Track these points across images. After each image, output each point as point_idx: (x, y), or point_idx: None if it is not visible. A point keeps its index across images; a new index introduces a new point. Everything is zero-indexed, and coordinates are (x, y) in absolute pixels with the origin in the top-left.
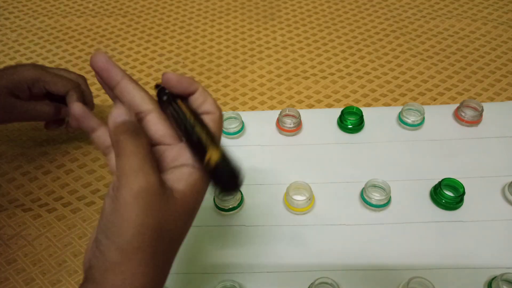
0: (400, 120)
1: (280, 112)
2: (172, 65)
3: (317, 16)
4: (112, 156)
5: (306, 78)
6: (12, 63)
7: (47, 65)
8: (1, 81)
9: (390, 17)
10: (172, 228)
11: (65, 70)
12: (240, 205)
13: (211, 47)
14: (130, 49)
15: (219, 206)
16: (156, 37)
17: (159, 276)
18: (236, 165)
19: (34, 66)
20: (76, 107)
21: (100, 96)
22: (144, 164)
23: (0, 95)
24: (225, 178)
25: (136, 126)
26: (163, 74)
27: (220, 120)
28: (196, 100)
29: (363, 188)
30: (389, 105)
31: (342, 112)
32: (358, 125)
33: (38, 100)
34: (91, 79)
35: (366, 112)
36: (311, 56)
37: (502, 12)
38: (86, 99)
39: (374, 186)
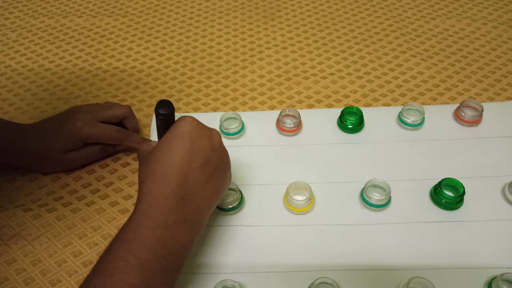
0: (400, 120)
1: (280, 112)
2: (172, 65)
3: (317, 16)
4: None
5: (306, 78)
6: (12, 63)
7: (47, 65)
8: (59, 142)
9: (390, 17)
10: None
11: (113, 107)
12: (240, 205)
13: (211, 47)
14: (130, 49)
15: (219, 206)
16: (156, 37)
17: None
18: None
19: (87, 119)
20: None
21: (100, 96)
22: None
23: (59, 154)
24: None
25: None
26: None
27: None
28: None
29: (363, 188)
30: (389, 105)
31: (342, 112)
32: (358, 125)
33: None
34: (91, 78)
35: (366, 112)
36: (311, 56)
37: (502, 12)
38: (134, 126)
39: (374, 186)
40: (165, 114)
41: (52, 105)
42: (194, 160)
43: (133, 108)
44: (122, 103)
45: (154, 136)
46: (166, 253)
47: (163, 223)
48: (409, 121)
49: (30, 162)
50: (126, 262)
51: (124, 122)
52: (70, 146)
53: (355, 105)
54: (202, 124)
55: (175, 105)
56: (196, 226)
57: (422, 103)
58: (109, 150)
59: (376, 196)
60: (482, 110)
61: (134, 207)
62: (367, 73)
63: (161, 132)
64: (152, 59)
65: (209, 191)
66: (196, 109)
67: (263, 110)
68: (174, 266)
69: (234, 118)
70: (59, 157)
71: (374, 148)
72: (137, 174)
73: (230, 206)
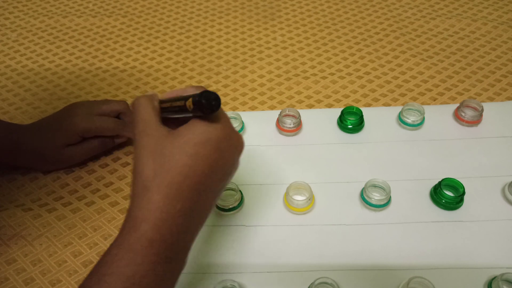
0: (400, 120)
1: (280, 112)
2: (172, 65)
3: (317, 16)
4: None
5: (306, 78)
6: (12, 63)
7: (47, 65)
8: (57, 138)
9: (390, 17)
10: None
11: (109, 102)
12: (240, 205)
13: (211, 47)
14: (130, 49)
15: (219, 206)
16: (156, 37)
17: None
18: (209, 94)
19: (83, 113)
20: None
21: (100, 96)
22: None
23: (59, 150)
24: (203, 103)
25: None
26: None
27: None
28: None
29: (363, 188)
30: (389, 105)
31: (342, 112)
32: (358, 125)
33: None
34: (91, 78)
35: (366, 112)
36: (311, 56)
37: (502, 12)
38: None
39: (374, 186)
40: (213, 111)
41: (52, 105)
42: (214, 176)
43: None
44: None
45: None
46: (158, 273)
47: (158, 242)
48: (409, 121)
49: (30, 160)
50: (118, 276)
51: (121, 117)
52: (69, 141)
53: (355, 105)
54: (233, 128)
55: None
56: (191, 241)
57: (422, 103)
58: (108, 144)
59: (376, 196)
60: (482, 110)
61: (126, 216)
62: (367, 73)
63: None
64: (152, 59)
65: (213, 204)
66: None
67: (263, 110)
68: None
69: (234, 118)
70: (58, 153)
71: (374, 148)
72: None
73: (230, 206)
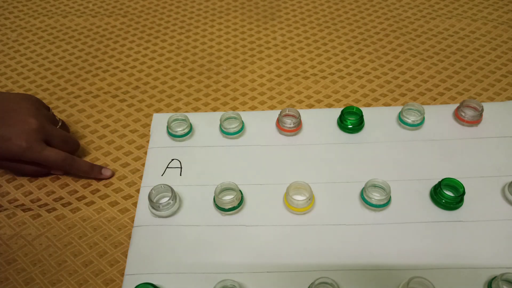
0: (400, 120)
1: (280, 112)
2: (172, 65)
3: (317, 16)
4: None
5: (306, 78)
6: (12, 63)
7: (48, 65)
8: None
9: (390, 17)
10: None
11: (65, 134)
12: (240, 205)
13: (211, 47)
14: (130, 49)
15: (219, 206)
16: (156, 37)
17: None
18: None
19: (35, 139)
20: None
21: (100, 96)
22: None
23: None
24: None
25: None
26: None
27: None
28: None
29: (363, 188)
30: (389, 105)
31: (342, 112)
32: (358, 125)
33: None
34: (91, 78)
35: (366, 112)
36: (311, 56)
37: (502, 12)
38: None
39: (374, 186)
40: None
41: (52, 105)
42: None
43: (133, 108)
44: (121, 103)
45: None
46: None
47: None
48: (409, 121)
49: None
50: None
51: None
52: (9, 159)
53: (355, 105)
54: None
55: (175, 105)
56: None
57: (422, 103)
58: (43, 174)
59: (376, 196)
60: (482, 110)
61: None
62: (367, 73)
63: None
64: (152, 59)
65: None
66: (196, 109)
67: (263, 110)
68: None
69: (234, 118)
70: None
71: (374, 148)
72: (136, 174)
73: (230, 206)
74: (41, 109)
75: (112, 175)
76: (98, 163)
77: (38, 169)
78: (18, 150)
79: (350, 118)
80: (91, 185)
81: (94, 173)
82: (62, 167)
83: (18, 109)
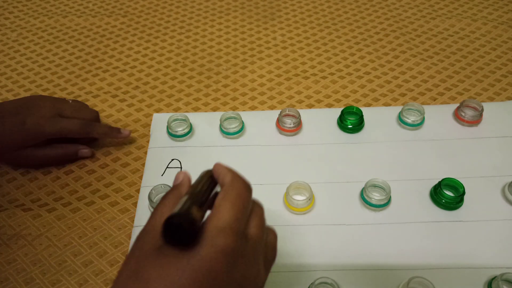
0: (400, 120)
1: (280, 112)
2: (172, 65)
3: (317, 16)
4: None
5: (306, 78)
6: (12, 63)
7: (48, 66)
8: (19, 137)
9: (390, 17)
10: None
11: (81, 105)
12: None
13: (211, 47)
14: (130, 49)
15: None
16: (156, 37)
17: None
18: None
19: (50, 115)
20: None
21: (100, 96)
22: None
23: (17, 150)
24: (169, 232)
25: None
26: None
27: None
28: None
29: (363, 188)
30: (389, 105)
31: (342, 112)
32: (358, 125)
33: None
34: (91, 78)
35: (366, 112)
36: (311, 56)
37: (502, 12)
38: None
39: (374, 186)
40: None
41: None
42: None
43: (133, 108)
44: (121, 103)
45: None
46: None
47: None
48: (409, 121)
49: None
50: None
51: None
52: (30, 142)
53: (355, 105)
54: (245, 254)
55: (175, 105)
56: None
57: (422, 103)
58: (71, 157)
59: (376, 196)
60: (482, 110)
61: None
62: (367, 73)
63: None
64: (152, 59)
65: None
66: (196, 109)
67: (263, 110)
68: None
69: (234, 118)
70: (15, 151)
71: (374, 148)
72: (136, 174)
73: None
74: (55, 98)
75: (129, 134)
76: (98, 162)
77: (64, 151)
78: (36, 128)
79: (350, 118)
80: (91, 185)
81: (113, 133)
82: (82, 133)
83: (34, 101)
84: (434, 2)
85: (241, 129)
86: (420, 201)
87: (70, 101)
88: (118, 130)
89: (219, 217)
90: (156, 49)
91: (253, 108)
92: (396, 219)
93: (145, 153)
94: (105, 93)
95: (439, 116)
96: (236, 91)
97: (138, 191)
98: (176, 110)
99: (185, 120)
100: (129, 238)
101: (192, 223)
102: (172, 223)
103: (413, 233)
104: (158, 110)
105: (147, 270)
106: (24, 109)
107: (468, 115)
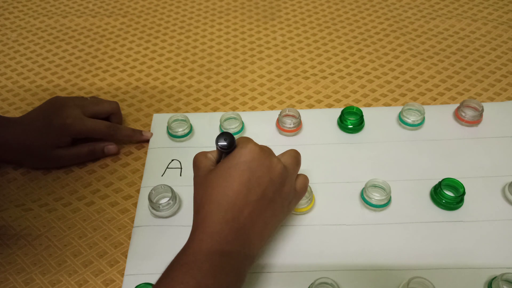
0: (400, 120)
1: (280, 112)
2: (172, 65)
3: (317, 16)
4: None
5: (306, 78)
6: (12, 63)
7: (48, 66)
8: (49, 138)
9: (390, 17)
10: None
11: (101, 103)
12: None
13: (211, 47)
14: (130, 49)
15: None
16: (156, 37)
17: None
18: (220, 137)
19: (75, 115)
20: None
21: (100, 96)
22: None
23: (48, 150)
24: (218, 147)
25: None
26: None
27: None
28: None
29: (363, 188)
30: (389, 105)
31: (342, 112)
32: (358, 125)
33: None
34: (91, 78)
35: (366, 112)
36: (311, 56)
37: (502, 12)
38: (119, 122)
39: (374, 186)
40: (225, 147)
41: None
42: (251, 193)
43: (133, 108)
44: (122, 103)
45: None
46: (223, 280)
47: (219, 251)
48: (409, 121)
49: (19, 157)
50: (185, 285)
51: (111, 118)
52: (60, 142)
53: (355, 105)
54: (264, 152)
55: (175, 105)
56: (249, 257)
57: (422, 103)
58: (97, 154)
59: (376, 196)
60: (482, 110)
61: (190, 234)
62: (367, 73)
63: (220, 158)
64: (152, 59)
65: (261, 224)
66: (196, 109)
67: (263, 110)
68: None
69: (234, 118)
70: (47, 153)
71: (374, 148)
72: (136, 174)
73: None
74: (74, 97)
75: (151, 136)
76: (98, 162)
77: (92, 149)
78: (64, 128)
79: (350, 118)
80: (91, 185)
81: (136, 135)
82: (108, 134)
83: (57, 103)
84: (434, 2)
85: (241, 129)
86: (420, 201)
87: (88, 98)
88: (140, 132)
89: (243, 145)
90: (156, 49)
91: (253, 108)
92: (396, 219)
93: (145, 153)
94: (105, 93)
95: (439, 116)
96: (236, 91)
97: (138, 191)
98: (176, 110)
99: (185, 120)
100: (129, 238)
101: (231, 135)
102: (222, 133)
103: (413, 233)
104: (158, 110)
105: (209, 175)
106: (50, 113)
107: (468, 115)
